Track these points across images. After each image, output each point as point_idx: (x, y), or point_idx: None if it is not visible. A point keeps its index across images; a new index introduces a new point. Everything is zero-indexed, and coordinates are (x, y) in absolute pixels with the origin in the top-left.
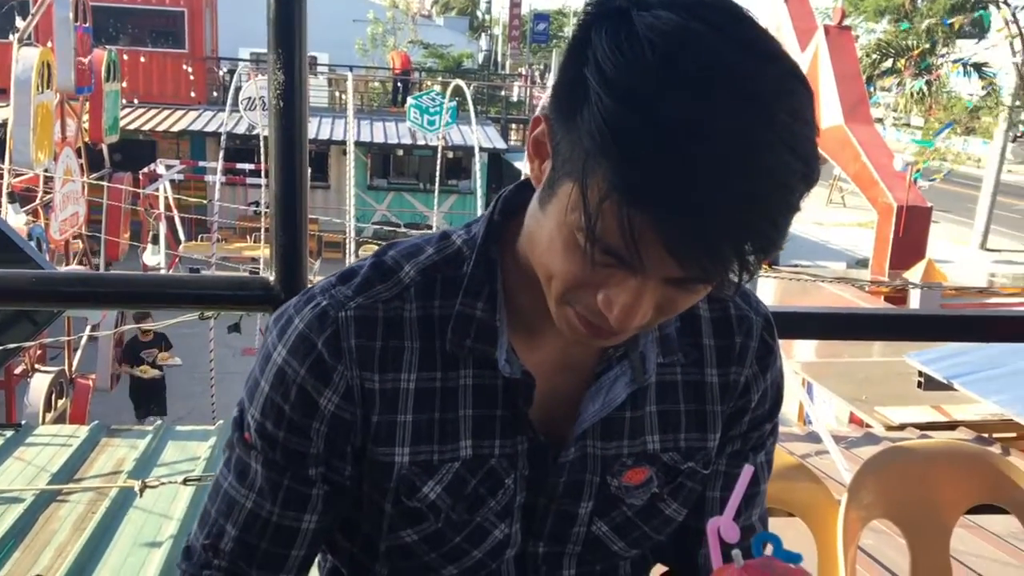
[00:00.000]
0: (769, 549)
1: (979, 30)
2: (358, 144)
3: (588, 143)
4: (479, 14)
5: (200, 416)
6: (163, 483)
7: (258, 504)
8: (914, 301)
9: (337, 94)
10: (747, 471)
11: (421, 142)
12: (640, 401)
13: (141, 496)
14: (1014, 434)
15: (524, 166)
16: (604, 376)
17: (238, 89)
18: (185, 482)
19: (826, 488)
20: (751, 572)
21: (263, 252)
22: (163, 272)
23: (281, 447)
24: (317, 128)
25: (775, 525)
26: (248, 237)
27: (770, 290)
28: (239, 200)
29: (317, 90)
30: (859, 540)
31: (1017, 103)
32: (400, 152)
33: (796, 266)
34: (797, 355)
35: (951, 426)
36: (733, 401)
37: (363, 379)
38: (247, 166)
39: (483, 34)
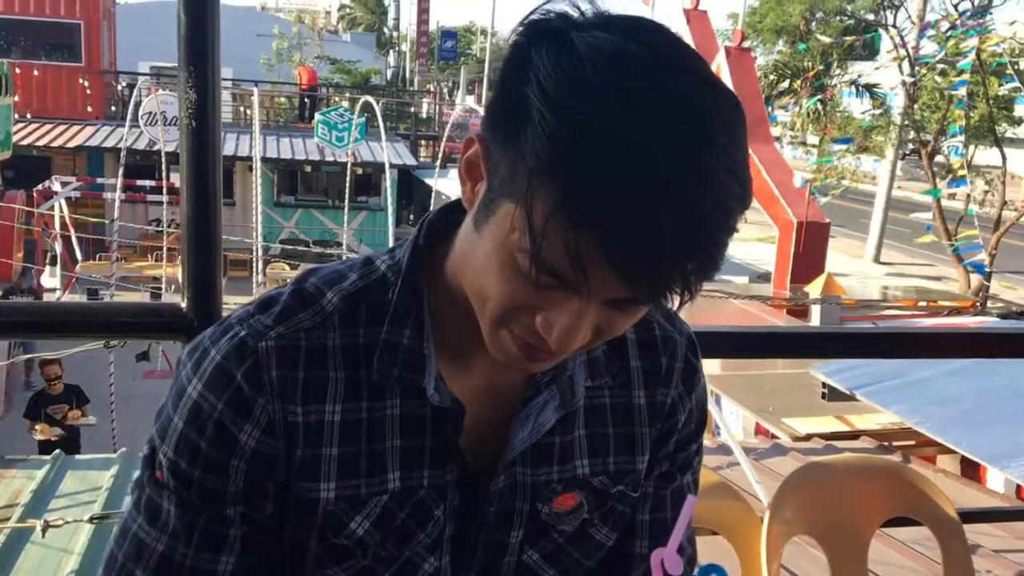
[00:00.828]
0: None
1: (870, 52)
2: (264, 160)
3: (532, 163)
4: (386, 30)
5: (100, 444)
6: (67, 522)
7: (170, 547)
8: (815, 315)
9: (242, 109)
10: (690, 501)
11: (329, 158)
12: (569, 425)
13: (44, 536)
14: (913, 442)
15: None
16: (533, 401)
17: (138, 104)
18: (91, 520)
19: (748, 505)
20: None
21: (165, 271)
22: (59, 295)
23: (196, 486)
24: (221, 144)
25: (700, 543)
26: (149, 256)
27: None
28: (139, 218)
29: (222, 106)
30: (781, 556)
31: (906, 122)
32: (308, 168)
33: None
34: (706, 368)
35: (854, 436)
36: (660, 423)
37: (286, 412)
38: (148, 183)
39: (391, 50)
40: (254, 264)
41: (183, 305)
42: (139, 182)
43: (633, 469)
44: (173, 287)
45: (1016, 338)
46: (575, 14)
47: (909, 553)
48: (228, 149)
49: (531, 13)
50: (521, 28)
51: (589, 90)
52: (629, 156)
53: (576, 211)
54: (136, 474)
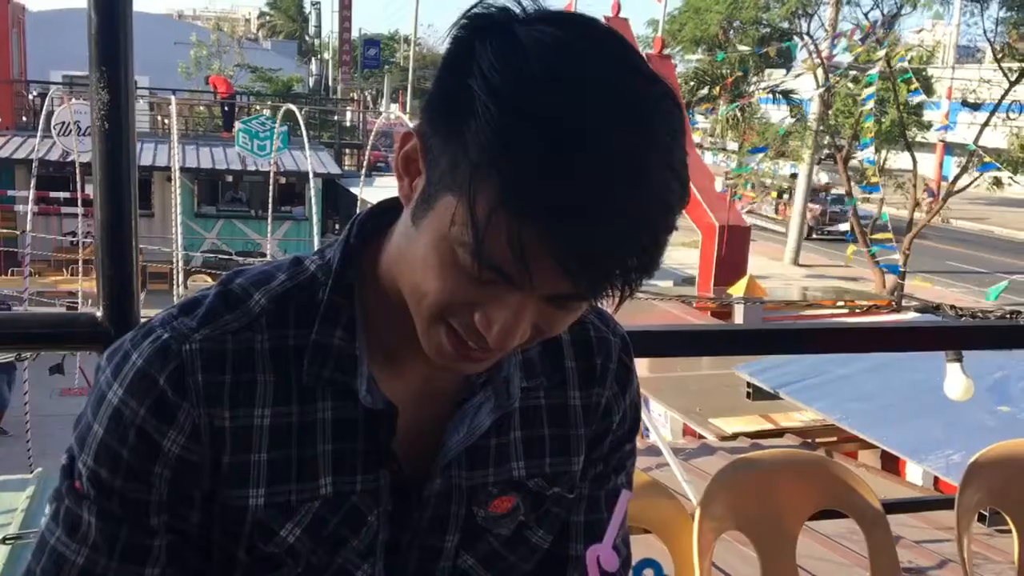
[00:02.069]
0: (650, 574)
1: (786, 60)
2: (184, 170)
3: (476, 155)
4: (308, 38)
5: (15, 465)
6: None
7: (92, 560)
8: (738, 315)
9: (160, 119)
10: (624, 496)
11: (252, 167)
12: (505, 427)
13: None
14: (835, 438)
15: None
16: (468, 403)
17: (50, 113)
18: (3, 541)
19: (679, 504)
20: None
21: (81, 285)
22: None
23: (118, 496)
24: (139, 154)
25: (632, 542)
26: (65, 270)
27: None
28: (53, 231)
29: (138, 114)
30: (712, 553)
31: (821, 128)
32: (229, 178)
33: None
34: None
35: (779, 433)
36: (595, 423)
37: (212, 417)
38: (62, 194)
39: (313, 58)
40: (175, 276)
41: (99, 315)
42: (53, 194)
43: (568, 470)
44: (90, 301)
45: (930, 331)
46: (517, 9)
47: (835, 547)
48: (146, 159)
49: (472, 7)
50: (463, 22)
51: (534, 83)
52: (575, 150)
53: (520, 204)
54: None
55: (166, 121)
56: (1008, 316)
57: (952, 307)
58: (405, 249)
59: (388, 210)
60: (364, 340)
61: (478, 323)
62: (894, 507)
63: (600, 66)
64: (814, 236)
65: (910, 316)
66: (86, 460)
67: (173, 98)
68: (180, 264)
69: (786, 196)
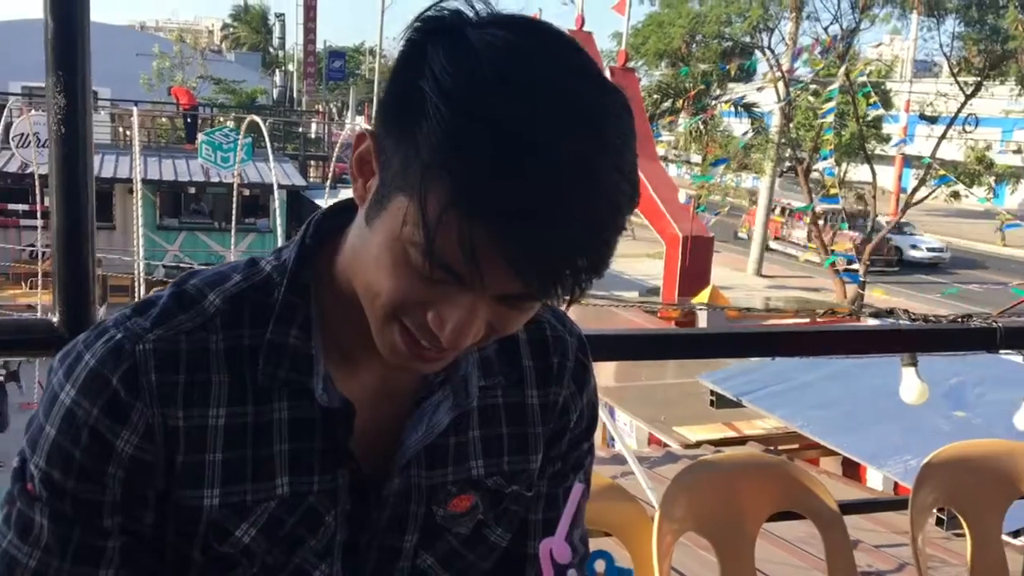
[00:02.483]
0: (601, 566)
1: (748, 74)
2: (146, 182)
3: (427, 156)
4: (272, 50)
5: None
6: None
7: (44, 563)
8: (702, 323)
9: (121, 130)
10: (577, 489)
11: (215, 179)
12: (463, 426)
13: None
14: (797, 445)
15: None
16: (426, 402)
17: (9, 125)
18: None
19: (640, 506)
20: None
21: (40, 299)
22: None
23: (71, 497)
24: (100, 165)
25: (593, 544)
26: (24, 283)
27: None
28: (12, 243)
29: (99, 126)
30: (671, 555)
31: (782, 141)
32: (192, 190)
33: (596, 298)
34: (600, 380)
35: (742, 441)
36: (553, 422)
37: (165, 416)
38: (20, 207)
39: (277, 70)
40: (136, 288)
41: (55, 320)
42: (11, 206)
43: (527, 468)
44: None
45: (883, 334)
46: (469, 12)
47: (794, 551)
48: (107, 171)
49: (426, 10)
50: (416, 24)
51: (485, 85)
52: (525, 152)
53: (470, 205)
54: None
55: (128, 133)
56: (959, 320)
57: (905, 311)
58: (359, 249)
59: (344, 210)
60: (320, 339)
61: (431, 322)
62: (850, 508)
63: (551, 70)
64: (852, 267)
65: (868, 323)
66: (38, 462)
67: (135, 109)
68: (141, 276)
69: (823, 221)
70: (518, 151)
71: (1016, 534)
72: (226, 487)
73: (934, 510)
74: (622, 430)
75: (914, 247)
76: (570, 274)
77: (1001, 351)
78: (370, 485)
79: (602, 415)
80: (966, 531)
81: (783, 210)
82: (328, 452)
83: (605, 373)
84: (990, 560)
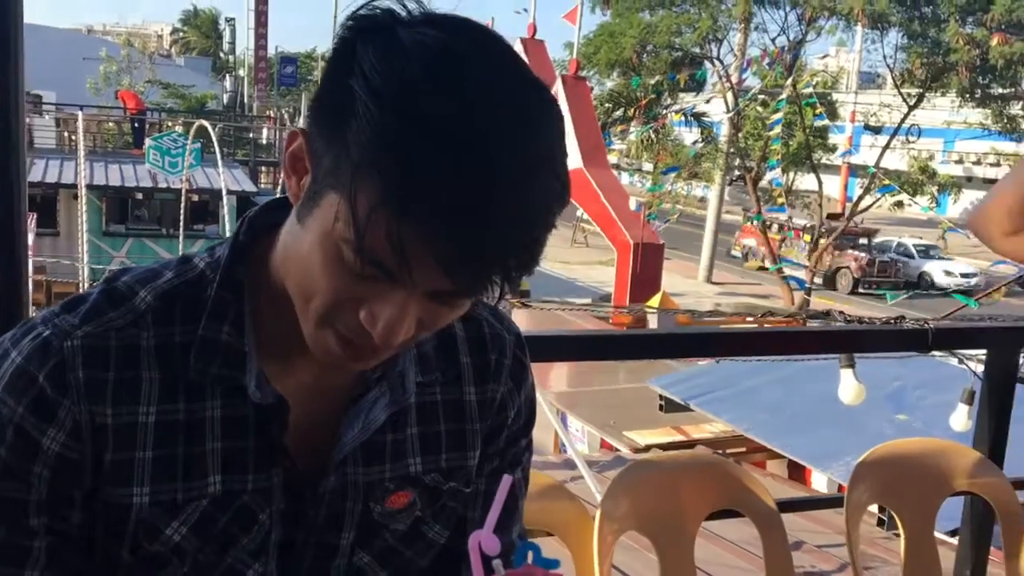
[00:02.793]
0: (529, 557)
1: (698, 84)
2: (91, 187)
3: (356, 155)
4: (222, 55)
5: None
6: None
7: None
8: (652, 326)
9: (67, 135)
10: (506, 480)
11: (163, 185)
12: (401, 423)
13: None
14: (743, 448)
15: None
16: (363, 399)
17: None
18: None
19: (581, 505)
20: None
21: None
22: None
23: None
24: (44, 170)
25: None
26: None
27: (522, 324)
28: None
29: (44, 130)
30: (613, 554)
31: (731, 150)
32: (139, 195)
33: (546, 302)
34: (552, 386)
35: (690, 445)
36: (491, 418)
37: (93, 414)
38: None
39: (227, 75)
40: None
41: None
42: None
43: (464, 465)
44: None
45: (823, 334)
46: (401, 11)
47: (737, 551)
48: (52, 176)
49: (358, 8)
50: (348, 23)
51: (413, 84)
52: (451, 150)
53: (400, 203)
54: None
55: (73, 137)
56: (892, 322)
57: (841, 313)
58: (291, 246)
59: (279, 208)
60: (254, 336)
61: (363, 320)
62: (788, 506)
63: (481, 68)
64: (860, 291)
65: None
66: None
67: (80, 113)
68: (86, 283)
69: (823, 239)
70: (447, 150)
71: (954, 533)
72: (156, 485)
73: (875, 510)
74: (574, 436)
75: (947, 273)
76: (500, 272)
77: (932, 352)
78: (306, 483)
79: (554, 421)
80: (900, 528)
81: (781, 227)
82: (262, 450)
83: (558, 379)
84: (923, 557)
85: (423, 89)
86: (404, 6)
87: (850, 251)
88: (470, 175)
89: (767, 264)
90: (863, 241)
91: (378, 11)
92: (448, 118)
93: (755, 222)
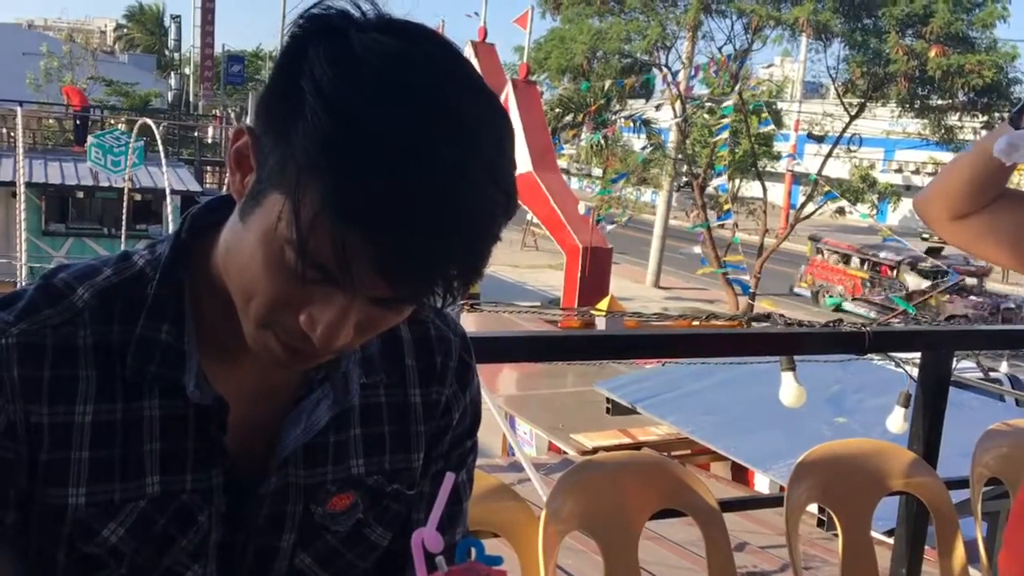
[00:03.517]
0: (472, 554)
1: (647, 90)
2: (30, 185)
3: (301, 157)
4: (167, 52)
5: None
6: None
7: None
8: (600, 328)
9: (5, 131)
10: (449, 478)
11: (105, 184)
12: (344, 424)
13: None
14: (688, 451)
15: None
16: (305, 400)
17: None
18: None
19: (526, 506)
20: None
21: None
22: None
23: None
24: None
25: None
26: None
27: (471, 327)
28: None
29: None
30: (558, 555)
31: (679, 156)
32: (80, 194)
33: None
34: (501, 389)
35: (636, 447)
36: (435, 421)
37: (28, 413)
38: None
39: (172, 73)
40: None
41: None
42: None
43: (409, 467)
44: None
45: (763, 336)
46: (356, 13)
47: (680, 551)
48: None
49: (312, 7)
50: (300, 21)
51: (363, 91)
52: (398, 159)
53: (343, 209)
54: None
55: (11, 134)
56: (830, 324)
57: (781, 316)
58: (233, 245)
59: (222, 205)
60: (194, 335)
61: (303, 324)
62: (729, 505)
63: (430, 77)
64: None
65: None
66: None
67: (19, 109)
68: (23, 283)
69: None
70: (392, 159)
71: (890, 533)
72: (93, 486)
73: (814, 510)
74: (522, 439)
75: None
76: (442, 281)
77: (869, 354)
78: (247, 484)
79: (502, 424)
80: (838, 528)
81: (864, 262)
82: (202, 450)
83: (506, 382)
84: (861, 556)
85: (371, 96)
86: (359, 7)
87: (972, 297)
88: (413, 185)
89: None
90: (971, 281)
91: (332, 11)
92: (394, 128)
93: (699, 230)
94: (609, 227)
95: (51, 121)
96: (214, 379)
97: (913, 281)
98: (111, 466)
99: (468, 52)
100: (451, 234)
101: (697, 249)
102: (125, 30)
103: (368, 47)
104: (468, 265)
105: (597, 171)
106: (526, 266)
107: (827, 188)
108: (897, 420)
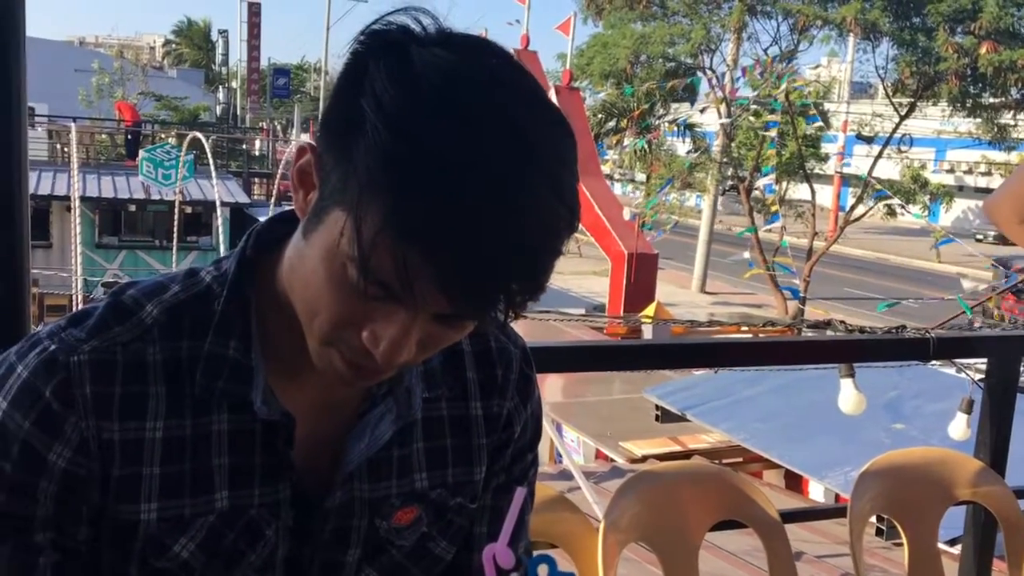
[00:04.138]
0: (544, 570)
1: (691, 94)
2: (84, 199)
3: (363, 175)
4: (215, 67)
5: None
6: None
7: None
8: (647, 336)
9: (59, 147)
10: (519, 493)
11: (156, 197)
12: (407, 438)
13: None
14: (740, 459)
15: None
16: (369, 414)
17: None
18: None
19: (585, 517)
20: None
21: None
22: None
23: (1, 512)
24: (37, 183)
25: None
26: None
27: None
28: None
29: (36, 142)
30: (617, 565)
31: (724, 160)
32: (132, 207)
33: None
34: (547, 396)
35: (687, 455)
36: (497, 434)
37: (100, 429)
38: None
39: (220, 87)
40: (74, 308)
41: None
42: None
43: (471, 480)
44: None
45: (824, 344)
46: (417, 28)
47: (739, 563)
48: (44, 188)
49: (373, 23)
50: (361, 38)
51: (423, 108)
52: (460, 177)
53: (404, 226)
54: None
55: (66, 149)
56: (893, 331)
57: (842, 322)
58: (296, 262)
59: (286, 221)
60: (260, 351)
61: (366, 340)
62: (791, 516)
63: (493, 94)
64: None
65: (806, 335)
66: None
67: (73, 125)
68: (79, 295)
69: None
70: (453, 176)
71: (952, 543)
72: (164, 501)
73: (873, 519)
74: (570, 446)
75: None
76: (503, 297)
77: (934, 361)
78: (313, 499)
79: (549, 431)
80: (903, 539)
81: None
82: (269, 465)
83: (552, 389)
84: (927, 566)
85: (432, 113)
86: (419, 22)
87: None
88: (472, 201)
89: None
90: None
91: (393, 27)
92: (455, 144)
93: (747, 234)
94: (658, 237)
95: (103, 136)
96: (280, 394)
97: None
98: (181, 481)
99: None
100: (512, 250)
101: (746, 254)
102: (174, 45)
103: (428, 63)
104: (530, 281)
105: (641, 176)
106: (570, 273)
107: (878, 187)
108: (960, 427)
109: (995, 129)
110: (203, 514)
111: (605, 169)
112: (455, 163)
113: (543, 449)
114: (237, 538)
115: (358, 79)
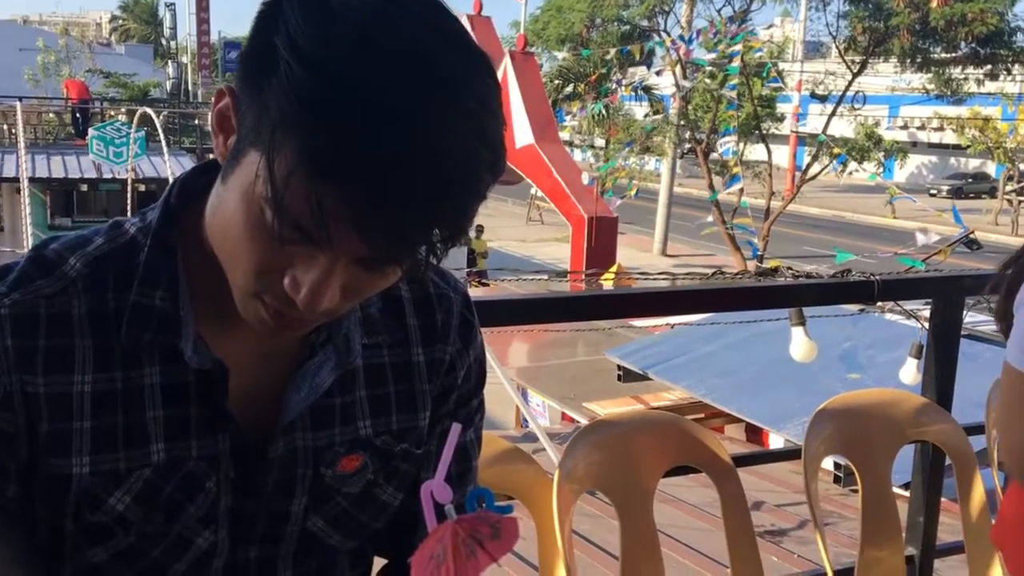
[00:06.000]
0: (483, 504)
1: (648, 57)
2: (34, 180)
3: (276, 114)
4: (163, 41)
5: None
6: None
7: None
8: None
9: (6, 127)
10: (455, 429)
11: (108, 175)
12: (349, 386)
13: None
14: (702, 414)
15: None
16: (308, 363)
17: None
18: None
19: (539, 467)
20: (465, 524)
21: None
22: None
23: None
24: None
25: None
26: None
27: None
28: None
29: None
30: (574, 519)
31: (682, 123)
32: (84, 187)
33: (503, 279)
34: (512, 361)
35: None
36: (440, 379)
37: (24, 383)
38: None
39: (170, 62)
40: None
41: None
42: None
43: (416, 427)
44: None
45: (772, 289)
46: None
47: (694, 512)
48: None
49: None
50: None
51: (337, 45)
52: (375, 114)
53: (317, 165)
54: None
55: (12, 130)
56: (839, 275)
57: (789, 269)
58: (217, 208)
59: (211, 169)
60: (190, 301)
61: (287, 286)
62: (744, 460)
63: (408, 32)
64: None
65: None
66: None
67: (19, 105)
68: None
69: None
70: (368, 114)
71: (906, 487)
72: (97, 455)
73: (831, 467)
74: (535, 410)
75: None
76: (423, 239)
77: (879, 303)
78: (254, 449)
79: (515, 396)
80: (858, 482)
81: None
82: (206, 416)
83: (517, 355)
84: (881, 507)
85: (347, 51)
86: None
87: None
88: (390, 142)
89: None
90: None
91: None
92: (370, 82)
93: (711, 201)
94: (618, 202)
95: (51, 115)
96: (213, 345)
97: None
98: (114, 435)
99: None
100: (429, 190)
101: (710, 218)
102: (120, 21)
103: (343, 2)
104: (449, 223)
105: (600, 141)
106: (533, 240)
107: (836, 150)
108: (910, 371)
109: (946, 83)
110: (139, 467)
111: (564, 135)
112: (370, 101)
113: (509, 414)
114: (175, 491)
115: (273, 17)
